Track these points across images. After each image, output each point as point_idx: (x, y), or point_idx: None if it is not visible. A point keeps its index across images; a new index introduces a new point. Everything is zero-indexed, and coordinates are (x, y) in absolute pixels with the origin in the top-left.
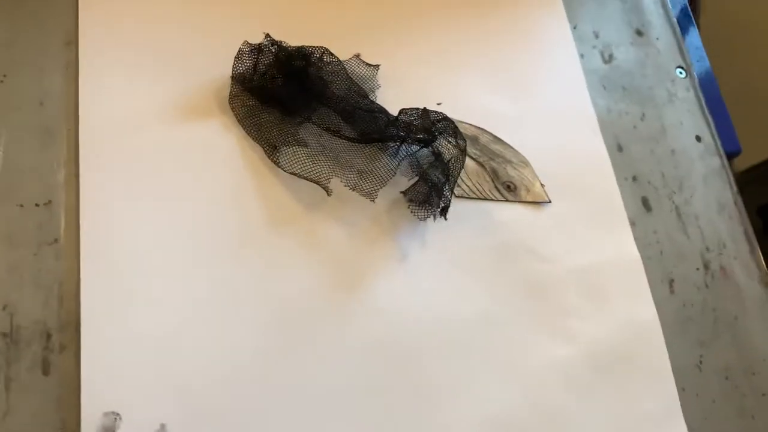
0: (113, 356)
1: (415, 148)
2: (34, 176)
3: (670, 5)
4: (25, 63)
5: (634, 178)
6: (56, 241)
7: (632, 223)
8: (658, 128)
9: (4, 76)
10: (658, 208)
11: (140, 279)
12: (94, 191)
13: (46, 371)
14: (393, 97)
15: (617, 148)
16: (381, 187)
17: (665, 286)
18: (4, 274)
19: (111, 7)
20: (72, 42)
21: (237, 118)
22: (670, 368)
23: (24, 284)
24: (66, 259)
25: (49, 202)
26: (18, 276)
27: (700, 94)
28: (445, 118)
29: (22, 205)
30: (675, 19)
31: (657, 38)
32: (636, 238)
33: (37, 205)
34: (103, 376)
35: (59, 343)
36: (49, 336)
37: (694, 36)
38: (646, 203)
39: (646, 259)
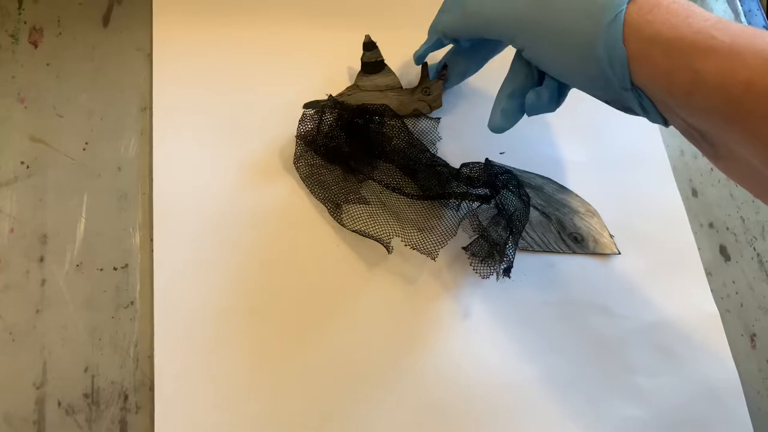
0: (185, 417)
1: (476, 204)
2: (113, 240)
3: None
4: (105, 130)
5: (711, 225)
6: (132, 303)
7: (708, 274)
8: None
9: (86, 144)
10: (737, 257)
11: (210, 340)
12: (166, 254)
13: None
14: (455, 148)
15: (692, 193)
16: (442, 247)
17: (746, 341)
18: (85, 337)
19: (182, 73)
20: (147, 108)
21: (301, 176)
22: None
23: (103, 346)
24: (140, 321)
25: (126, 265)
26: (98, 338)
27: None
28: (508, 171)
29: (101, 269)
30: None
31: None
32: (713, 290)
33: (115, 268)
34: None
35: (135, 404)
36: (126, 397)
37: None
38: (724, 251)
39: (725, 312)
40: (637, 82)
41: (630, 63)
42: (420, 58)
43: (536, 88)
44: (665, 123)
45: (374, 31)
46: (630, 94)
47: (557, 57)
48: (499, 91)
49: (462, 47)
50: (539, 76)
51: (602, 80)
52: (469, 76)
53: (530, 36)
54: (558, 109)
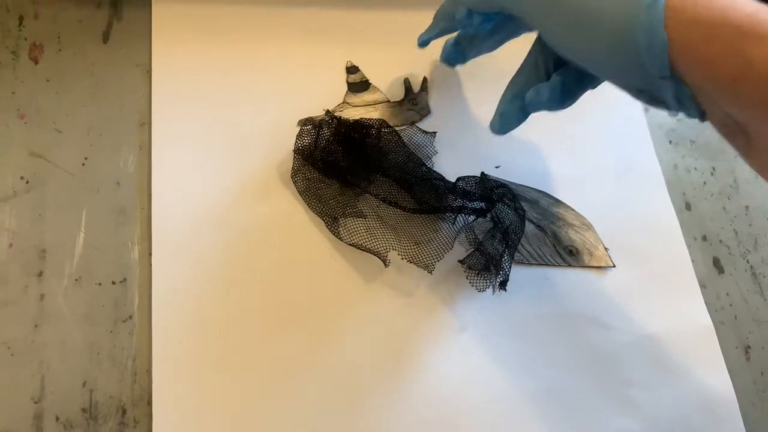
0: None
1: (472, 218)
2: (112, 255)
3: None
4: (104, 145)
5: (704, 238)
6: (130, 317)
7: (702, 286)
8: (730, 183)
9: (85, 159)
10: (730, 269)
11: (209, 354)
12: (165, 268)
13: None
14: (450, 161)
15: (685, 207)
16: (438, 260)
17: (740, 353)
18: (83, 352)
19: (181, 89)
20: (146, 123)
21: (298, 190)
22: None
23: (101, 361)
24: (139, 336)
25: (124, 280)
26: (96, 353)
27: None
28: (503, 185)
29: (100, 284)
30: None
31: None
32: (707, 302)
33: (113, 283)
34: None
35: (134, 418)
36: (124, 411)
37: None
38: (717, 264)
39: (719, 325)
40: (675, 70)
41: (670, 49)
42: (424, 43)
43: (537, 85)
44: (701, 116)
45: (364, 48)
46: (668, 83)
47: (585, 41)
48: (503, 93)
49: (480, 31)
50: (547, 78)
51: (636, 67)
52: (482, 54)
53: (556, 15)
54: (554, 124)
